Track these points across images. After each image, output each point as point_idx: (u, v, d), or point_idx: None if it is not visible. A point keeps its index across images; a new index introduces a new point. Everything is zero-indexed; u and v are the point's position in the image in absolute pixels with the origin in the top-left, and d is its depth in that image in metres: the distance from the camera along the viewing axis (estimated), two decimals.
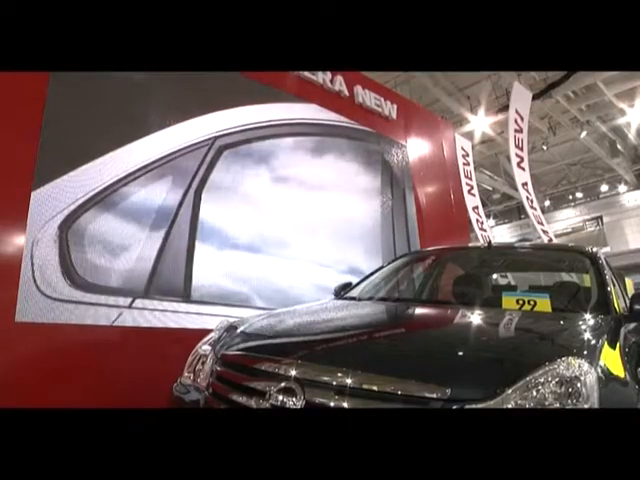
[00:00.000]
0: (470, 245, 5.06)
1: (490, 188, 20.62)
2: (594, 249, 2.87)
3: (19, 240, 3.48)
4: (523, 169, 11.00)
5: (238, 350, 1.76)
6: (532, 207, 11.01)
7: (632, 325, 2.49)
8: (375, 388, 1.38)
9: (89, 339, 3.78)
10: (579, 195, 24.01)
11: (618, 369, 1.64)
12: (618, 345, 1.84)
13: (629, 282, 8.09)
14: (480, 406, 1.30)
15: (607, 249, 19.34)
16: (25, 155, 3.58)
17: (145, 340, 4.03)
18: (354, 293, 2.86)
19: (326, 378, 1.44)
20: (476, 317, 2.07)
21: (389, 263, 3.25)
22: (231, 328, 2.00)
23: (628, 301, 2.35)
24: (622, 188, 22.65)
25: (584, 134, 16.20)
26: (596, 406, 1.34)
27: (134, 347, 3.93)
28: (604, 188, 23.27)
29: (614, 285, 2.63)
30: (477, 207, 10.39)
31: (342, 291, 2.96)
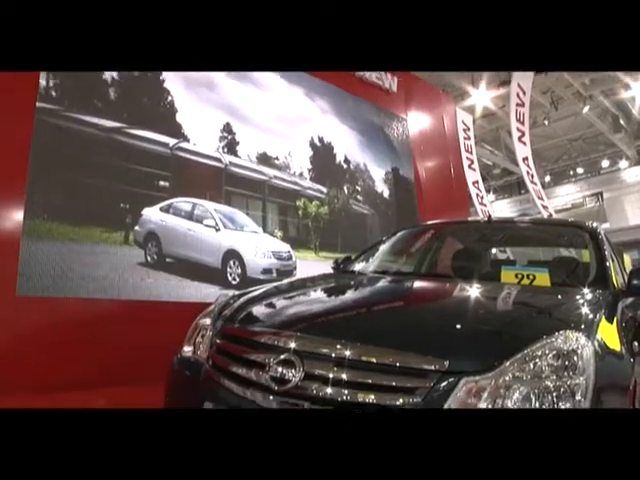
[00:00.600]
0: (470, 219, 5.05)
1: (490, 163, 20.54)
2: (594, 224, 2.87)
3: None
4: (524, 143, 10.93)
5: (238, 323, 1.77)
6: (532, 182, 10.98)
7: (629, 300, 2.50)
8: (374, 360, 1.39)
9: (90, 312, 3.82)
10: (580, 171, 23.90)
11: (614, 343, 1.66)
12: (615, 319, 1.85)
13: (627, 258, 8.11)
14: (478, 378, 1.32)
15: (607, 225, 19.34)
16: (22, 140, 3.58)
17: (146, 313, 4.07)
18: (354, 266, 2.86)
19: (325, 350, 1.45)
20: (475, 291, 2.07)
21: (389, 237, 3.25)
22: (231, 301, 2.00)
23: (626, 277, 2.36)
24: (623, 164, 22.54)
25: (586, 109, 16.05)
26: (592, 378, 1.35)
27: (135, 320, 3.97)
28: (605, 164, 23.16)
29: (613, 261, 2.63)
30: (477, 182, 10.35)
31: (341, 264, 2.98)
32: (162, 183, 4.58)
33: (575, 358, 1.37)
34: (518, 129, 10.76)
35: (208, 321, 1.90)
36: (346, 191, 6.38)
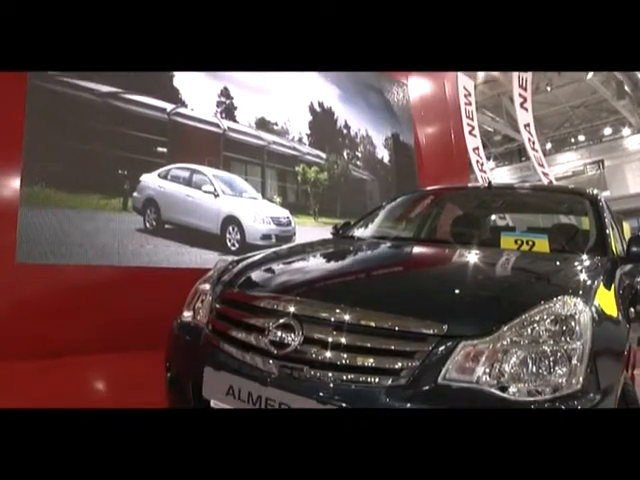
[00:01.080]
0: (470, 185, 5.02)
1: (491, 129, 20.33)
2: (594, 191, 2.85)
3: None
4: (526, 110, 10.79)
5: (237, 287, 1.77)
6: (533, 149, 10.89)
7: (628, 267, 2.51)
8: (373, 324, 1.39)
9: (90, 279, 3.84)
10: (581, 138, 23.70)
11: (612, 309, 1.67)
12: (613, 286, 1.86)
13: (627, 226, 8.12)
14: (476, 342, 1.33)
15: (607, 193, 19.29)
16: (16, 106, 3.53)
17: (145, 279, 4.09)
18: (353, 232, 2.86)
19: (324, 314, 1.45)
20: (474, 256, 2.07)
21: (388, 202, 3.23)
22: (230, 266, 2.00)
23: (625, 244, 2.36)
24: (626, 131, 22.33)
25: (590, 75, 15.79)
26: (588, 344, 1.36)
27: (135, 286, 3.99)
28: (607, 131, 22.94)
29: (613, 228, 2.63)
30: (477, 148, 10.26)
31: (341, 230, 2.97)
32: (160, 149, 4.53)
33: (573, 323, 1.38)
34: (520, 95, 10.62)
35: (207, 286, 1.90)
36: (346, 157, 6.33)
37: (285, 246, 2.62)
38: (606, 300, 1.66)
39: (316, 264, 2.08)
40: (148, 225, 4.37)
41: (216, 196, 4.85)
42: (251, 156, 5.33)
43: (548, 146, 23.61)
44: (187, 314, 1.92)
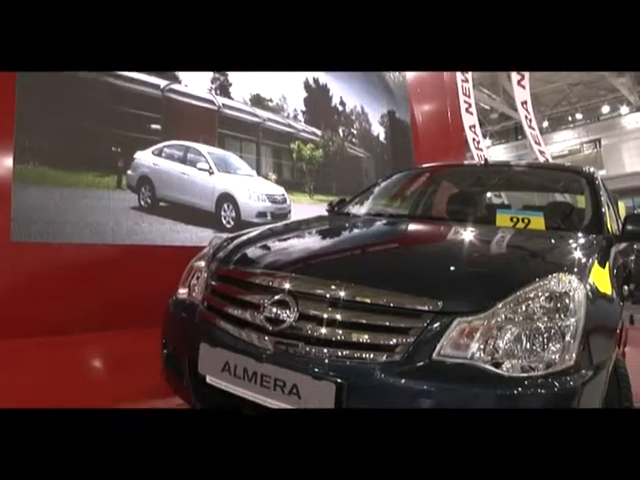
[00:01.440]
0: (466, 162, 5.00)
1: (488, 107, 20.20)
2: (591, 169, 2.84)
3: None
4: (523, 87, 10.72)
5: (232, 264, 1.76)
6: (530, 127, 10.85)
7: (622, 245, 2.52)
8: (368, 301, 1.39)
9: (85, 257, 3.83)
10: (579, 116, 23.59)
11: (606, 287, 1.67)
12: (608, 264, 1.87)
13: (622, 205, 8.14)
14: (470, 318, 1.33)
15: (603, 172, 19.29)
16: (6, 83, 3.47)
17: (141, 257, 4.08)
18: (348, 209, 2.85)
19: (320, 291, 1.45)
20: (469, 234, 2.07)
21: (384, 180, 3.21)
22: (225, 243, 2.00)
23: (621, 223, 2.36)
24: (624, 110, 22.22)
25: None
26: (582, 321, 1.37)
27: (130, 264, 3.98)
28: (605, 109, 22.84)
29: (608, 207, 2.63)
30: (474, 126, 10.21)
31: (336, 207, 2.96)
32: (154, 126, 4.48)
33: (567, 300, 1.39)
34: (518, 72, 10.53)
35: (203, 263, 1.90)
36: (341, 134, 6.28)
37: (280, 223, 2.61)
38: (600, 278, 1.66)
39: (311, 241, 2.08)
40: (143, 203, 4.34)
41: (211, 173, 4.82)
42: (246, 133, 5.28)
43: (545, 124, 23.51)
44: (182, 291, 1.92)
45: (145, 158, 4.41)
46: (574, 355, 1.32)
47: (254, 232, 2.16)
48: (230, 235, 2.14)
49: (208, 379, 1.55)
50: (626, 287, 2.34)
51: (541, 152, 11.08)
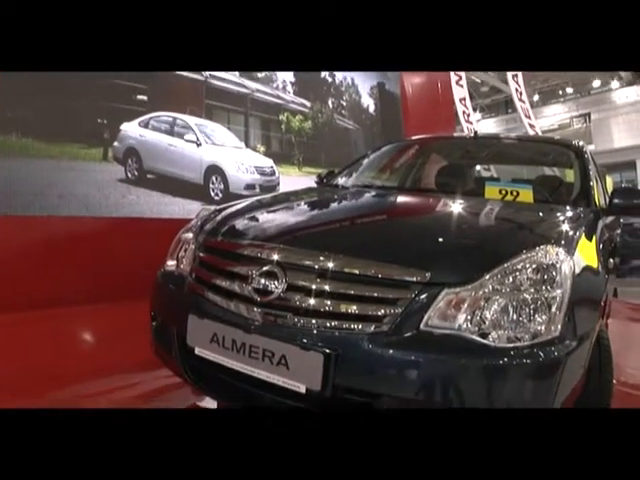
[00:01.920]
0: (455, 135, 4.98)
1: (478, 80, 20.03)
2: (580, 142, 2.84)
3: None
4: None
5: (220, 236, 1.75)
6: (521, 100, 10.81)
7: (609, 219, 2.54)
8: (356, 272, 1.39)
9: (73, 230, 3.79)
10: (569, 90, 23.49)
11: (592, 260, 1.69)
12: (594, 237, 1.88)
13: (610, 180, 8.19)
14: (458, 289, 1.34)
15: (592, 147, 19.34)
16: None
17: (128, 230, 4.05)
18: (337, 181, 2.83)
19: (308, 262, 1.44)
20: (458, 206, 2.07)
21: (373, 151, 3.19)
22: (213, 215, 1.98)
23: (608, 198, 2.38)
24: (615, 84, 22.16)
25: None
26: (568, 292, 1.38)
27: (118, 237, 3.95)
28: (596, 84, 22.75)
29: (597, 181, 2.64)
30: (464, 99, 10.15)
31: (325, 179, 2.95)
32: (140, 97, 4.40)
33: (554, 272, 1.40)
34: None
35: (190, 235, 1.88)
36: (330, 105, 6.21)
37: (269, 194, 2.59)
38: (587, 251, 1.67)
39: (300, 212, 2.07)
40: (130, 175, 4.29)
41: (198, 145, 4.76)
42: (234, 104, 5.21)
43: (535, 98, 23.42)
44: (170, 263, 1.91)
45: (131, 130, 4.34)
46: (559, 326, 1.33)
47: (242, 204, 2.14)
48: (218, 207, 2.12)
49: (197, 350, 1.55)
50: (611, 260, 2.37)
51: (531, 125, 11.07)
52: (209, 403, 2.05)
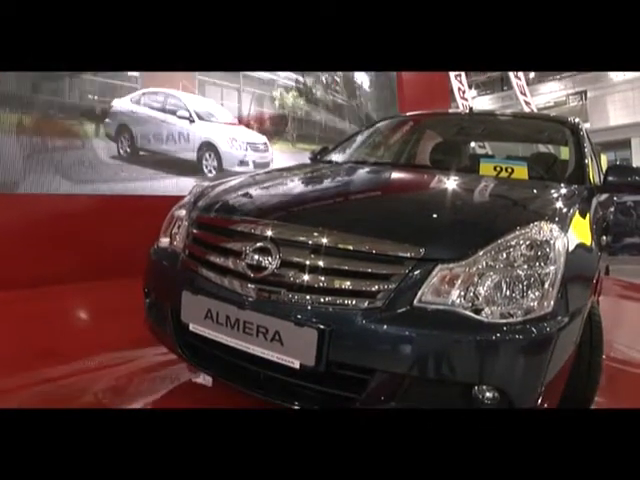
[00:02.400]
0: (451, 111, 4.94)
1: None
2: (576, 120, 2.83)
3: None
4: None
5: (214, 212, 1.74)
6: (516, 77, 10.74)
7: (603, 197, 2.54)
8: (350, 247, 1.39)
9: (65, 208, 3.76)
10: None
11: (586, 237, 1.70)
12: (588, 214, 1.89)
13: (604, 158, 8.18)
14: (452, 265, 1.34)
15: (587, 125, 19.28)
16: None
17: (121, 207, 4.02)
18: (331, 157, 2.82)
19: (302, 238, 1.44)
20: (452, 182, 2.06)
21: (367, 127, 3.16)
22: (206, 191, 1.96)
23: (602, 176, 2.38)
24: None
25: None
26: (561, 269, 1.39)
27: (111, 215, 3.93)
28: None
29: (592, 159, 2.63)
30: (460, 75, 10.06)
31: (319, 155, 2.93)
32: (130, 72, 4.33)
33: (547, 249, 1.40)
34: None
35: (183, 212, 1.87)
36: (324, 81, 6.13)
37: (262, 171, 2.57)
38: (581, 228, 1.68)
39: (294, 189, 2.05)
40: (122, 152, 4.24)
41: (191, 122, 4.70)
42: (227, 80, 5.13)
43: (531, 75, 23.23)
44: (164, 240, 1.90)
45: (123, 106, 4.28)
46: (552, 302, 1.34)
47: (235, 180, 2.13)
48: (211, 183, 2.10)
49: (191, 327, 1.56)
50: (604, 238, 2.38)
51: (527, 103, 11.02)
52: (204, 379, 2.07)
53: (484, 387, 1.32)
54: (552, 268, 1.37)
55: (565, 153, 2.64)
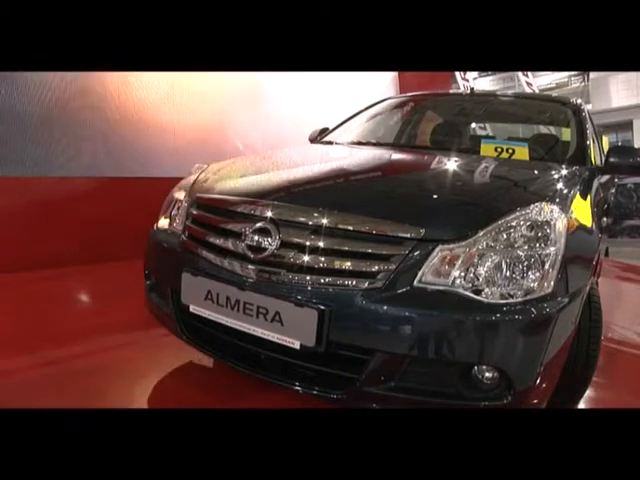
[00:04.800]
0: (451, 91, 4.90)
1: None
2: (578, 100, 2.80)
3: None
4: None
5: (213, 193, 1.73)
6: None
7: (604, 178, 2.53)
8: (350, 228, 1.38)
9: (62, 190, 3.75)
10: None
11: (586, 218, 1.69)
12: (589, 196, 1.88)
13: (606, 140, 8.13)
14: (452, 246, 1.34)
15: (589, 107, 19.13)
16: None
17: (120, 190, 4.01)
18: (331, 137, 2.79)
19: (302, 218, 1.43)
20: (453, 163, 2.05)
21: (366, 108, 3.13)
22: (205, 172, 1.95)
23: (604, 157, 2.36)
24: None
25: None
26: (562, 250, 1.38)
27: (109, 197, 3.92)
28: None
29: (593, 141, 2.61)
30: None
31: (319, 136, 2.90)
32: None
33: (548, 229, 1.40)
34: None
35: (183, 193, 1.86)
36: None
37: (261, 152, 2.56)
38: (581, 209, 1.67)
39: (293, 169, 2.04)
40: None
41: None
42: None
43: None
44: (163, 222, 1.90)
45: None
46: (552, 283, 1.34)
47: (235, 161, 2.11)
48: (210, 165, 2.09)
49: (191, 308, 1.56)
50: (604, 219, 2.38)
51: (528, 84, 10.94)
52: (205, 360, 2.08)
53: (483, 367, 1.33)
54: (552, 249, 1.37)
55: (567, 134, 2.62)
